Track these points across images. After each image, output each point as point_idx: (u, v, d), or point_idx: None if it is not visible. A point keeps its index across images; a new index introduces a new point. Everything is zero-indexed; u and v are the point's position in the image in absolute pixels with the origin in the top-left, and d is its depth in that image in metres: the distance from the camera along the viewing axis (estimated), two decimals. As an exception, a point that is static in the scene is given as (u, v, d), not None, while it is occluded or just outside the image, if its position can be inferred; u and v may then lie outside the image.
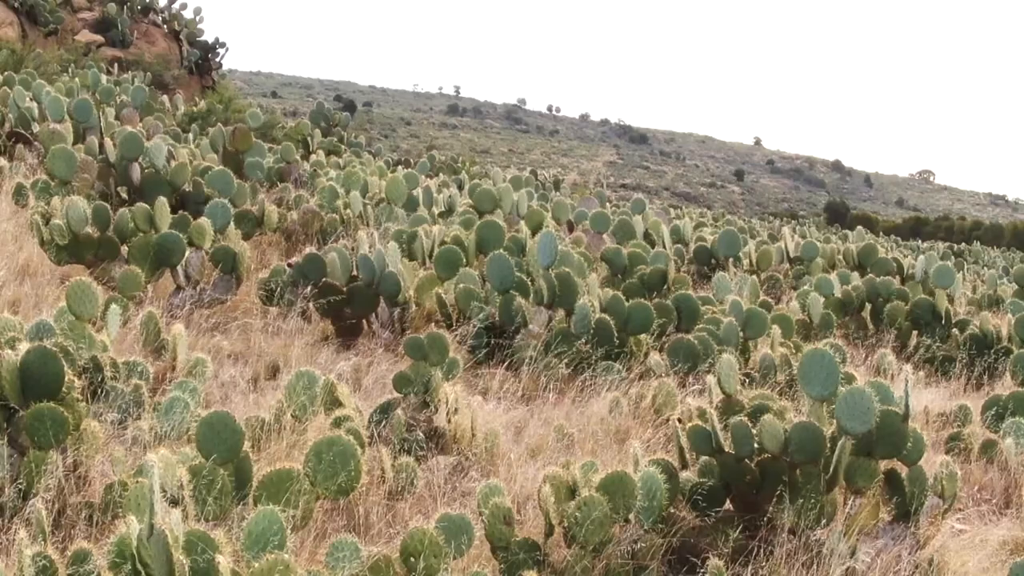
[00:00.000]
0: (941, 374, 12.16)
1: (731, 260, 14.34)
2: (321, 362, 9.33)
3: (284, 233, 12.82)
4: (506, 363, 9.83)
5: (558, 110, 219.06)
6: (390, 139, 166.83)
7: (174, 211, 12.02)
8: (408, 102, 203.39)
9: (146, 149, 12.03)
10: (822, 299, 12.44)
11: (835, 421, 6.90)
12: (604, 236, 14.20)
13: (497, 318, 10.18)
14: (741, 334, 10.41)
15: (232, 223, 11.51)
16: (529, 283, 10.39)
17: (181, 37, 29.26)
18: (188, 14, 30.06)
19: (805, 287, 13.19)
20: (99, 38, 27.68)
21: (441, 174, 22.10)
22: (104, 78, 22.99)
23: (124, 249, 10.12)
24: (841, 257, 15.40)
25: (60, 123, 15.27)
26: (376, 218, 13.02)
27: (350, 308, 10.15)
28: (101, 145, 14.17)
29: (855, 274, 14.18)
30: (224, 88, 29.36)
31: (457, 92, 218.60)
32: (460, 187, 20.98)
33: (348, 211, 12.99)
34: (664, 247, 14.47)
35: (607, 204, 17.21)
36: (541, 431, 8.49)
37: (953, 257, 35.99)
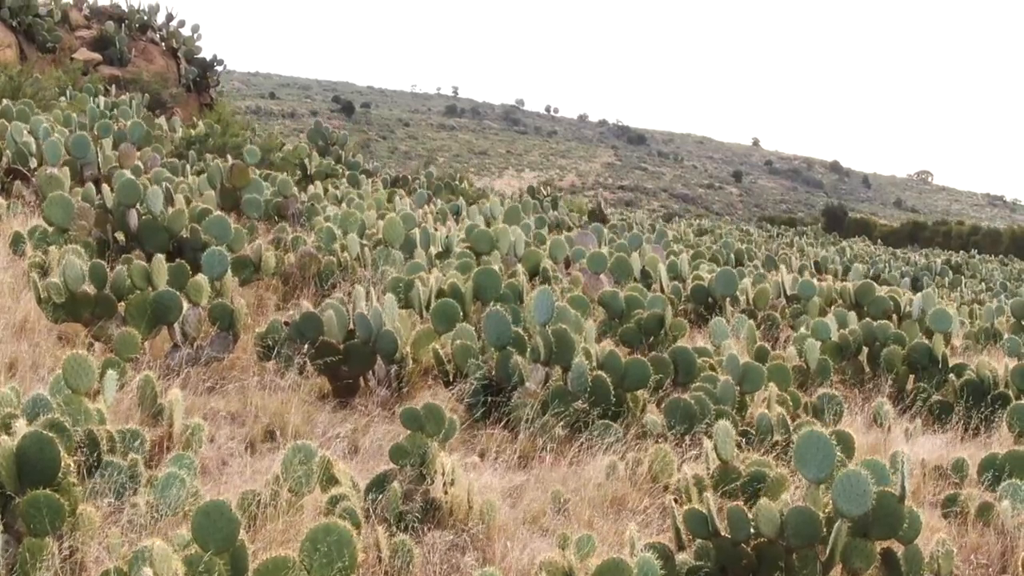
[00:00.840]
0: (939, 424, 12.15)
1: (728, 299, 14.33)
2: (320, 425, 9.32)
3: (282, 277, 12.82)
4: (503, 422, 9.82)
5: (556, 111, 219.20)
6: (388, 140, 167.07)
7: (171, 257, 12.05)
8: (406, 103, 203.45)
9: (143, 196, 12.03)
10: (819, 344, 12.43)
11: (831, 503, 6.92)
12: (601, 276, 14.20)
13: (494, 374, 10.17)
14: (737, 389, 10.41)
15: (229, 271, 11.51)
16: (526, 337, 10.38)
17: (179, 55, 29.26)
18: (186, 31, 30.07)
19: (802, 330, 13.19)
20: (97, 56, 27.68)
21: (438, 198, 22.05)
22: (102, 101, 23.01)
23: (121, 306, 10.12)
24: (838, 295, 15.41)
25: (57, 165, 15.31)
26: (373, 261, 13.02)
27: (347, 366, 10.15)
28: (98, 184, 14.20)
29: (852, 314, 14.16)
30: (222, 106, 29.34)
31: (455, 93, 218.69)
32: (457, 213, 20.96)
33: (345, 254, 12.99)
34: (661, 287, 14.49)
35: (604, 236, 17.18)
36: (539, 498, 8.48)
37: (951, 272, 35.99)
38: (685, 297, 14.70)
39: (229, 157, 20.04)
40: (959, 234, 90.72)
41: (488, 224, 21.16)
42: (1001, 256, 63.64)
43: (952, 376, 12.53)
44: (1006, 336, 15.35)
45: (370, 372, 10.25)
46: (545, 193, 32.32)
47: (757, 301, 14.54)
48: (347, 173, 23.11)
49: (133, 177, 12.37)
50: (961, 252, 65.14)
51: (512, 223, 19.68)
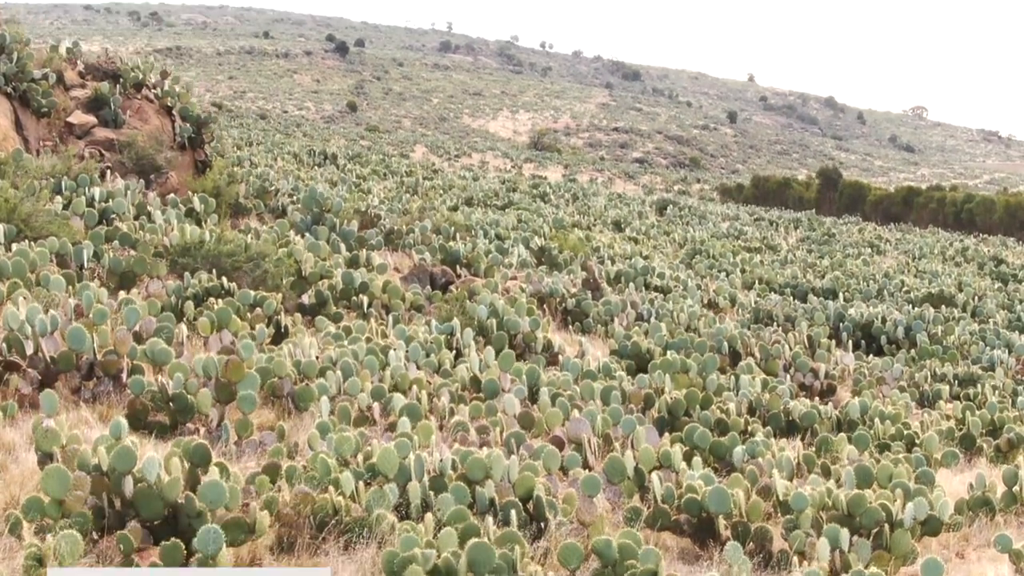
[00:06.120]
0: None
1: (720, 516, 14.43)
2: None
3: (279, 520, 12.86)
4: None
5: (551, 47, 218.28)
6: (383, 81, 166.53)
7: (166, 523, 12.14)
8: (400, 38, 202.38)
9: (139, 467, 12.08)
10: (813, 604, 12.55)
11: None
12: (595, 500, 14.29)
13: None
14: None
15: (224, 548, 11.58)
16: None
17: (174, 112, 29.01)
18: (180, 88, 29.87)
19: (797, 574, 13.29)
20: (92, 119, 27.42)
21: (434, 331, 21.82)
22: (97, 193, 22.92)
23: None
24: (831, 503, 15.47)
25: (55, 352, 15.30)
26: (368, 505, 13.06)
27: None
28: (92, 369, 14.27)
29: (844, 531, 14.23)
30: (219, 163, 29.16)
31: (449, 28, 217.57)
32: (452, 334, 20.97)
33: (340, 497, 13.03)
34: (654, 496, 14.59)
35: (597, 420, 17.16)
36: None
37: (944, 307, 36.11)
38: (678, 505, 14.76)
39: (225, 280, 20.03)
40: (953, 201, 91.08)
41: (483, 325, 21.31)
42: (996, 244, 63.60)
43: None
44: (999, 534, 15.44)
45: None
46: (541, 241, 32.27)
47: (751, 514, 14.63)
48: (342, 271, 23.08)
49: (129, 444, 12.38)
50: (955, 241, 65.38)
51: (507, 367, 19.71)
